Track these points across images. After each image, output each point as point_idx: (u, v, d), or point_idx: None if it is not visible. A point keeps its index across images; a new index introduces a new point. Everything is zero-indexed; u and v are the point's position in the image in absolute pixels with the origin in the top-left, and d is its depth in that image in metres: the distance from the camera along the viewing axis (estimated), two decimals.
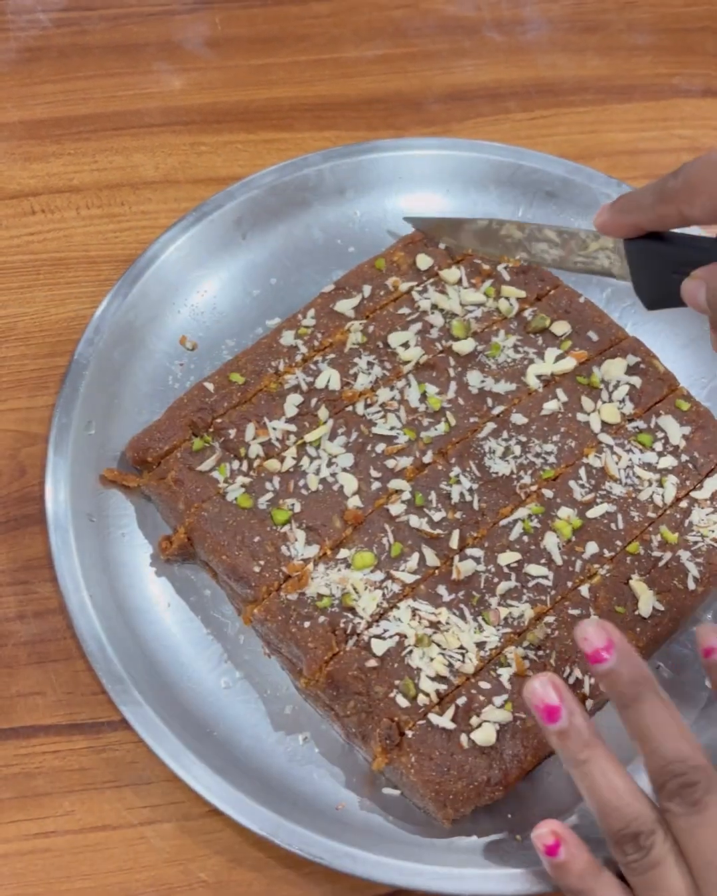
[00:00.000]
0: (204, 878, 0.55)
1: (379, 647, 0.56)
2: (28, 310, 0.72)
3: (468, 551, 0.59)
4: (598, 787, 0.50)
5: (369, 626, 0.57)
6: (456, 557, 0.59)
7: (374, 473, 0.61)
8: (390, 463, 0.62)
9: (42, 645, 0.61)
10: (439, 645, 0.57)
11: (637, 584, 0.59)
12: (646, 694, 0.48)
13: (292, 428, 0.63)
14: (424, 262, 0.69)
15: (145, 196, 0.78)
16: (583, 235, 0.59)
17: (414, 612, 0.57)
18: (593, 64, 0.91)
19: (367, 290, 0.68)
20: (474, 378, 0.65)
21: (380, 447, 0.62)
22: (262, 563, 0.59)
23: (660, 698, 0.48)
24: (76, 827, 0.56)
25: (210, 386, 0.64)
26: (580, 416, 0.64)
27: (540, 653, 0.57)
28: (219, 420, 0.63)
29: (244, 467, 0.62)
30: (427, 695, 0.55)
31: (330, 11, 0.92)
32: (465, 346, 0.65)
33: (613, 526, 0.61)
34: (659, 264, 0.50)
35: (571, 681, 0.57)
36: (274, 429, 0.63)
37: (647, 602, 0.58)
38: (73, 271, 0.74)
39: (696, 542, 0.61)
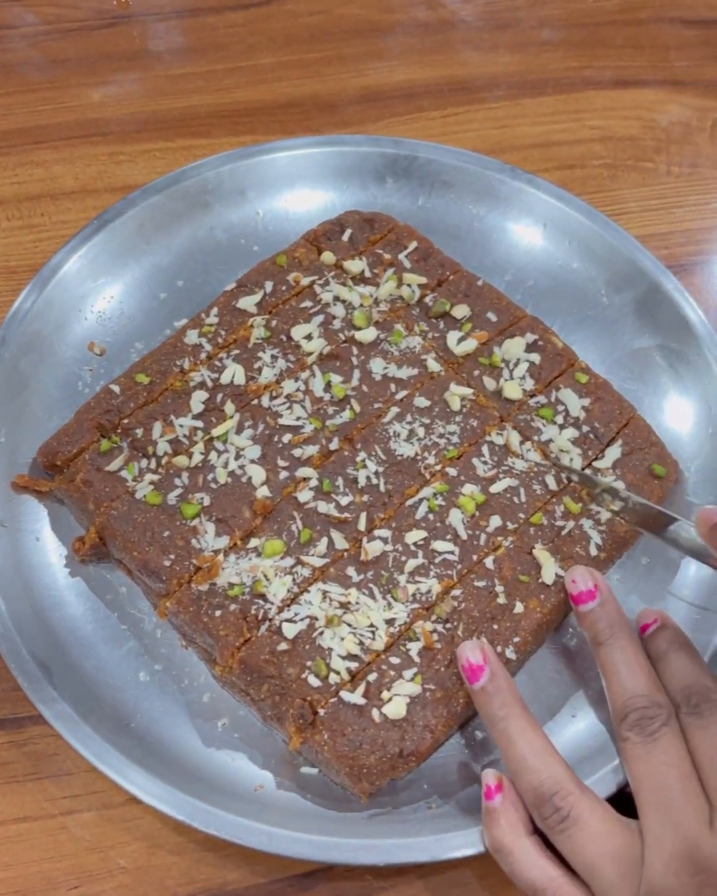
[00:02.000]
0: (123, 865, 0.56)
1: (290, 631, 0.57)
2: None
3: (376, 532, 0.61)
4: (514, 742, 0.53)
5: (281, 610, 0.58)
6: (364, 539, 0.60)
7: (281, 463, 0.63)
8: (297, 452, 0.63)
9: None
10: (349, 624, 0.58)
11: (541, 552, 0.60)
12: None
13: (199, 424, 0.64)
14: (328, 257, 0.70)
15: (64, 206, 0.80)
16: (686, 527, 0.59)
17: (324, 594, 0.58)
18: (504, 60, 0.92)
19: (269, 286, 0.69)
20: (377, 365, 0.66)
21: (286, 437, 0.63)
22: (172, 556, 0.60)
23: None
24: None
25: (116, 388, 0.65)
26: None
27: (448, 625, 0.58)
28: (126, 421, 0.64)
29: (153, 465, 0.63)
30: (339, 673, 0.56)
31: (246, 20, 0.93)
32: (367, 334, 0.67)
33: (515, 499, 0.62)
34: None
35: None
36: (181, 426, 0.64)
37: (549, 569, 0.59)
38: None
39: (597, 511, 0.62)
